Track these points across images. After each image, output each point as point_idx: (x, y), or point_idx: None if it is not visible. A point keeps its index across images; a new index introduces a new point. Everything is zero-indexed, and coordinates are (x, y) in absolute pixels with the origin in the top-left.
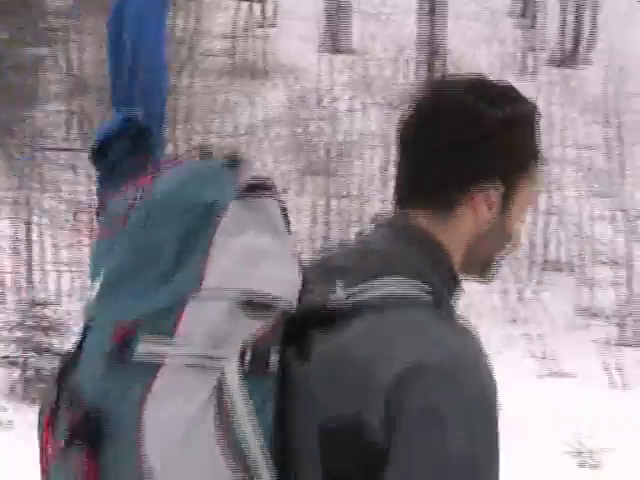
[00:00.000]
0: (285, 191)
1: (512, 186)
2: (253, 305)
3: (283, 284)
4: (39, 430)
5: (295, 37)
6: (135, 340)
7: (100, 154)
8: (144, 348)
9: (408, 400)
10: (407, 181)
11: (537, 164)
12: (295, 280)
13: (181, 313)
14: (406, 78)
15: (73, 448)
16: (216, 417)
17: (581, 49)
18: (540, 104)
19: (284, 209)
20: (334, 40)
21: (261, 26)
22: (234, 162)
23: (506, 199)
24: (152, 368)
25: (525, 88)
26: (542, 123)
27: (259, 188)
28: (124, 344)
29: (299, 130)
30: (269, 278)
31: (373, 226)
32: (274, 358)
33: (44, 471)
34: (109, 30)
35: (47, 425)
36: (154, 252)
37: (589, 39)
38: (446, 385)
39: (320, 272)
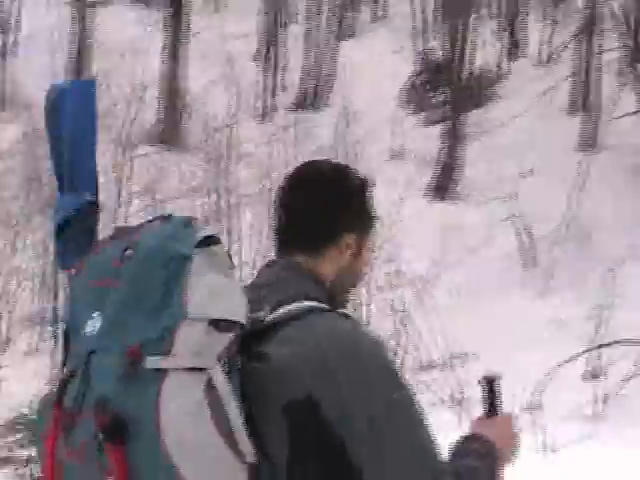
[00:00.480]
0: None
1: (363, 237)
2: (221, 326)
3: (238, 310)
4: (41, 444)
5: (35, 69)
6: (143, 358)
7: (60, 230)
8: (151, 363)
9: (340, 373)
10: (287, 231)
11: (374, 223)
12: (244, 306)
13: (174, 335)
14: (144, 116)
15: (101, 446)
16: (210, 405)
17: (319, 94)
18: (276, 147)
19: (227, 251)
20: (77, 74)
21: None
22: (190, 222)
23: (359, 246)
24: (159, 377)
25: (263, 129)
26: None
27: (210, 239)
28: (135, 361)
29: (33, 165)
30: (228, 308)
31: (265, 265)
32: (237, 360)
33: (51, 475)
34: (48, 128)
35: (53, 438)
36: (148, 293)
37: (326, 85)
38: (357, 357)
39: (251, 298)
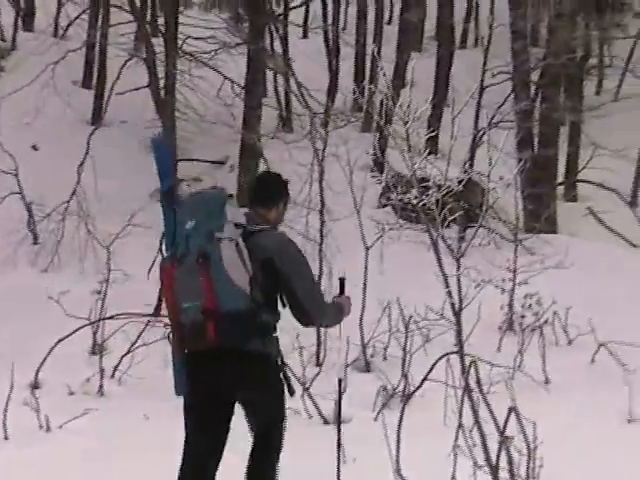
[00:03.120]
0: None
1: (285, 202)
2: (237, 225)
3: (242, 221)
4: (164, 271)
5: None
6: (213, 234)
7: (166, 196)
8: (217, 236)
9: (283, 254)
10: (255, 199)
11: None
12: (244, 220)
13: (223, 226)
14: None
15: (199, 268)
16: (237, 251)
17: None
18: None
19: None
20: None
21: None
22: (222, 189)
23: (284, 207)
24: (219, 241)
25: None
26: None
27: (230, 196)
28: (211, 234)
29: None
30: (239, 219)
31: (246, 213)
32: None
33: (171, 285)
34: (156, 158)
35: (172, 266)
36: (213, 212)
37: None
38: (288, 246)
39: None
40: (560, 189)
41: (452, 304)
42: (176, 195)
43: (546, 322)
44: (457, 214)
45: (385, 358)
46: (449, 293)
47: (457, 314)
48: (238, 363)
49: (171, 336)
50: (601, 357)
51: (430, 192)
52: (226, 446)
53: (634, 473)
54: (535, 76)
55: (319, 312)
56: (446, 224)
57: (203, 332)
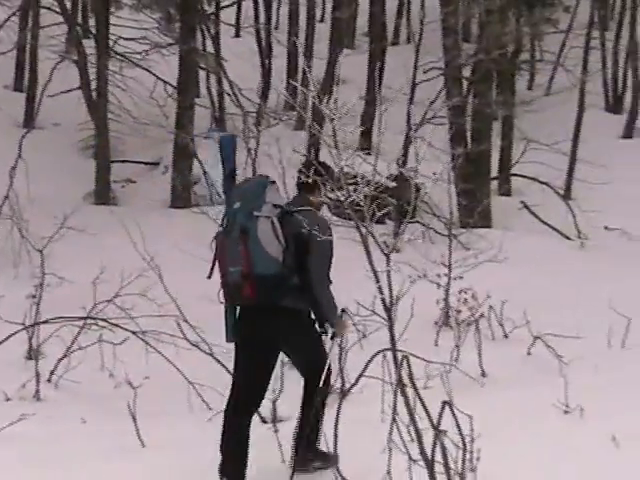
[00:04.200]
0: None
1: (321, 190)
2: (276, 206)
3: (282, 203)
4: (217, 241)
5: None
6: (253, 213)
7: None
8: (256, 214)
9: (313, 233)
10: (302, 187)
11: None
12: (284, 202)
13: (262, 206)
14: None
15: (240, 239)
16: (271, 227)
17: None
18: None
19: (278, 188)
20: None
21: None
22: (266, 177)
23: (320, 196)
24: (258, 219)
25: None
26: None
27: (273, 182)
28: (251, 213)
29: None
30: (278, 201)
31: (295, 198)
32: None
33: (222, 252)
34: (221, 151)
35: (224, 235)
36: (256, 195)
37: None
38: (322, 228)
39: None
40: (494, 184)
41: (383, 300)
42: (232, 181)
43: (481, 316)
44: (385, 210)
45: None
46: (380, 289)
47: (388, 310)
48: (274, 316)
49: (221, 292)
50: (537, 350)
51: (358, 188)
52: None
53: (570, 464)
54: (467, 72)
55: (321, 288)
56: (375, 220)
57: (241, 291)
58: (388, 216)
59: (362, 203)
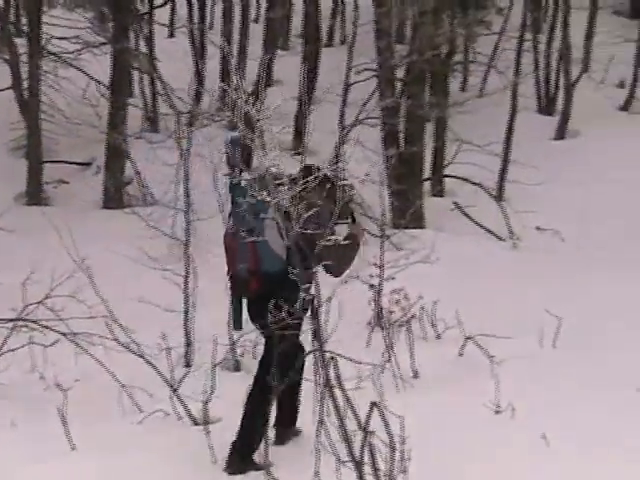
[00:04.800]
0: None
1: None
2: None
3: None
4: (226, 241)
5: None
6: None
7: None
8: (262, 216)
9: (316, 231)
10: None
11: None
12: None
13: (268, 209)
14: None
15: (248, 234)
16: (276, 228)
17: None
18: None
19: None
20: None
21: None
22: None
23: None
24: (263, 220)
25: None
26: None
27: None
28: (258, 215)
29: None
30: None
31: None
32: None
33: (231, 250)
34: (228, 152)
35: (232, 237)
36: (260, 200)
37: None
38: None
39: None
40: (427, 185)
41: (311, 300)
42: (239, 184)
43: (413, 317)
44: (312, 211)
45: (255, 357)
46: (307, 290)
47: (315, 311)
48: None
49: (229, 285)
50: (469, 350)
51: (283, 189)
52: None
53: (501, 464)
54: (401, 73)
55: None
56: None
57: (248, 285)
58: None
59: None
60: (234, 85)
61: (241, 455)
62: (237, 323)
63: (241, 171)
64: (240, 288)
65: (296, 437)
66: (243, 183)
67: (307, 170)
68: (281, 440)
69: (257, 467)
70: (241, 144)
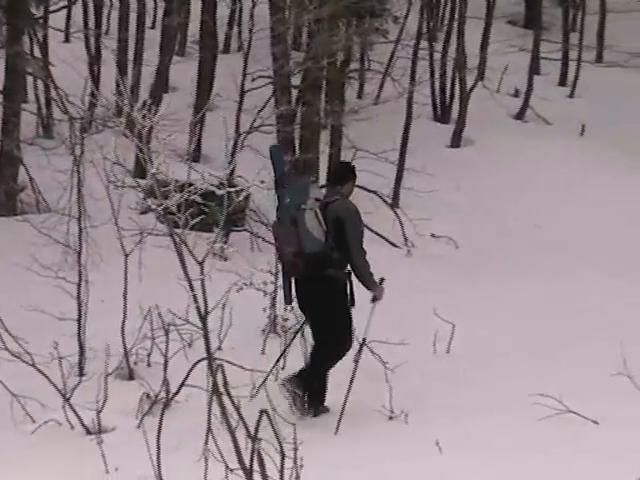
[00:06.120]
0: None
1: (353, 181)
2: (317, 200)
3: (321, 197)
4: (274, 229)
5: None
6: (300, 206)
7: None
8: (303, 207)
9: (347, 216)
10: (333, 180)
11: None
12: (322, 196)
13: (307, 201)
14: None
15: (292, 227)
16: (315, 216)
17: None
18: None
19: (319, 185)
20: None
21: None
22: (308, 177)
23: (352, 184)
24: (304, 210)
25: None
26: None
27: (314, 181)
28: (300, 206)
29: None
30: (318, 196)
31: (329, 189)
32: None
33: (279, 238)
34: (272, 159)
35: (278, 227)
36: (302, 192)
37: None
38: (351, 212)
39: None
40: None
41: (197, 308)
42: (282, 182)
43: (306, 323)
44: (198, 218)
45: (149, 365)
46: (194, 297)
47: (203, 318)
48: (319, 283)
49: (280, 266)
50: (363, 356)
51: (170, 195)
52: None
53: (395, 470)
54: (297, 80)
55: (359, 258)
56: (191, 227)
57: (295, 266)
58: (216, 224)
59: (175, 210)
60: (128, 91)
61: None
62: (287, 298)
63: (283, 176)
64: (289, 268)
65: (326, 413)
66: (286, 185)
67: (344, 166)
68: (314, 413)
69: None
70: (283, 152)
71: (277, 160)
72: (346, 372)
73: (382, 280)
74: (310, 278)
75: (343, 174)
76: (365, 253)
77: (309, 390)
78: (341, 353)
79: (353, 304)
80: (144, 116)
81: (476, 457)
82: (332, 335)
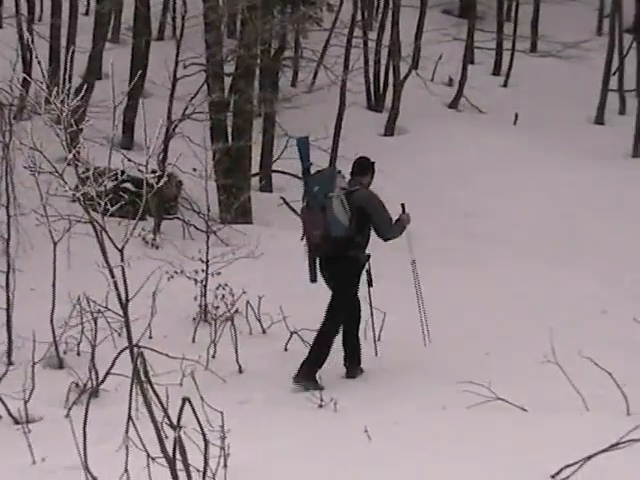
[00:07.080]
0: None
1: (373, 173)
2: (342, 189)
3: (345, 186)
4: (303, 215)
5: None
6: (328, 194)
7: (304, 172)
8: (330, 195)
9: (369, 202)
10: (356, 171)
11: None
12: (346, 185)
13: (334, 189)
14: None
15: (320, 213)
16: (340, 202)
17: None
18: None
19: (343, 175)
20: None
21: None
22: (334, 168)
23: (372, 176)
24: (331, 198)
25: None
26: None
27: (339, 172)
28: (327, 195)
29: None
30: (343, 186)
31: (351, 180)
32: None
33: (307, 222)
34: (299, 151)
35: (306, 213)
36: (329, 182)
37: None
38: (372, 198)
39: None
40: (255, 180)
41: (118, 295)
42: (310, 172)
43: (237, 311)
44: (117, 205)
45: (79, 354)
46: (115, 284)
47: (124, 306)
48: (342, 262)
49: (306, 248)
50: (294, 345)
51: (88, 182)
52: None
53: (325, 456)
54: (230, 68)
55: (388, 232)
56: (109, 214)
57: (321, 247)
58: (148, 212)
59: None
60: (58, 78)
61: (306, 373)
62: (313, 276)
63: (310, 165)
64: (316, 250)
65: (361, 374)
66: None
67: (364, 161)
68: (351, 374)
69: (316, 386)
70: (307, 142)
71: (304, 151)
72: (275, 360)
73: (403, 206)
74: (335, 258)
75: (364, 167)
76: (391, 220)
77: (319, 358)
78: (358, 315)
79: (371, 284)
80: (62, 101)
81: (404, 445)
82: (347, 303)
